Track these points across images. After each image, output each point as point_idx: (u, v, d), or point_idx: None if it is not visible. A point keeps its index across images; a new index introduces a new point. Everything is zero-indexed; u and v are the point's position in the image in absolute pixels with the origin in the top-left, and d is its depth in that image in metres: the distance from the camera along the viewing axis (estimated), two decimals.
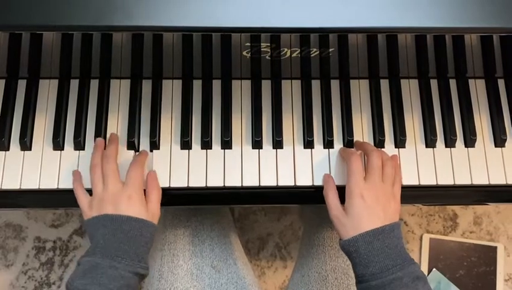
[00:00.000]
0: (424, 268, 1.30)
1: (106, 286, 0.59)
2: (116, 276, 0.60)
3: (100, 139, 0.71)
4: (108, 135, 0.72)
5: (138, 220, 0.63)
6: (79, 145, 0.71)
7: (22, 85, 0.74)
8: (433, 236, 1.33)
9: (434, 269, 1.30)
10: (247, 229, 1.35)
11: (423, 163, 0.72)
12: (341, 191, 0.66)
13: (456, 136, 0.73)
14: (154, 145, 0.72)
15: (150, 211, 0.66)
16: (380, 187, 0.64)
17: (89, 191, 0.68)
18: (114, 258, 0.61)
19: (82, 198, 0.67)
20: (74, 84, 0.74)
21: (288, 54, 0.73)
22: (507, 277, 1.31)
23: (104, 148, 0.70)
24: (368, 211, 0.62)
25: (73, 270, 0.64)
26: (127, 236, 0.62)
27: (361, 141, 0.73)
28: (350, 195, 0.64)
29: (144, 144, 0.72)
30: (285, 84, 0.75)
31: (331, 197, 0.66)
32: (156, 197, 0.67)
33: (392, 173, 0.66)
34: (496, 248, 1.32)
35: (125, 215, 0.63)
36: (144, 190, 0.68)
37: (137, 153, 0.72)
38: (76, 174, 0.70)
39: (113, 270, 0.60)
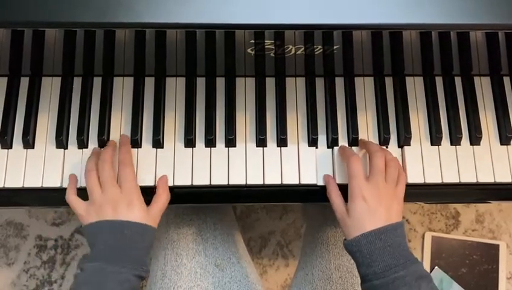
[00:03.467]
0: (426, 266, 1.30)
1: None
2: (122, 280, 0.60)
3: (97, 148, 0.71)
4: (111, 133, 0.72)
5: (139, 225, 0.63)
6: (82, 143, 0.71)
7: (24, 83, 0.74)
8: (435, 234, 1.33)
9: (436, 267, 1.29)
10: (249, 227, 1.35)
11: (428, 161, 0.72)
12: (346, 189, 0.66)
13: (461, 133, 0.73)
14: (158, 143, 0.71)
15: (152, 214, 0.66)
16: (383, 188, 0.64)
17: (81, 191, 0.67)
18: (118, 263, 0.61)
19: (77, 203, 0.66)
20: (77, 82, 0.74)
21: (293, 51, 0.72)
22: (509, 274, 1.31)
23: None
24: (370, 213, 0.62)
25: (76, 274, 0.64)
26: (128, 241, 0.62)
27: (366, 140, 0.72)
28: (352, 197, 0.64)
29: (148, 142, 0.72)
30: (290, 82, 0.75)
31: (334, 198, 0.67)
32: (162, 203, 0.67)
33: (395, 174, 0.66)
34: (498, 245, 1.32)
35: (126, 220, 0.63)
36: (152, 189, 0.67)
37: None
38: (72, 180, 0.69)
39: (118, 275, 0.60)
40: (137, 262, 0.62)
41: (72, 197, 0.67)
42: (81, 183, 0.69)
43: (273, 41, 0.70)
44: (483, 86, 0.76)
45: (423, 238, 1.33)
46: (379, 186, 0.64)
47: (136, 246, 0.63)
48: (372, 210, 0.62)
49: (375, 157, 0.66)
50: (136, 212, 0.64)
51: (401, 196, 0.66)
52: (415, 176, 0.71)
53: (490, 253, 1.31)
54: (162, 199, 0.68)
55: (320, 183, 0.71)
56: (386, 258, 0.60)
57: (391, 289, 0.59)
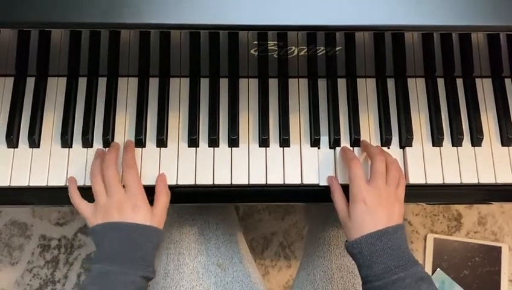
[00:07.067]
0: (428, 268, 1.30)
1: None
2: (128, 282, 0.61)
3: (100, 149, 0.71)
4: (116, 133, 0.73)
5: (145, 227, 0.64)
6: (87, 142, 0.72)
7: (30, 83, 0.74)
8: (437, 236, 1.33)
9: (438, 269, 1.30)
10: (251, 228, 1.35)
11: (430, 162, 0.72)
12: (348, 189, 0.66)
13: (462, 135, 0.73)
14: (162, 143, 0.72)
15: (156, 215, 0.66)
16: (384, 191, 0.64)
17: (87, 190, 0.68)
18: (124, 265, 0.61)
19: (83, 206, 0.67)
20: (82, 82, 0.75)
21: (296, 52, 0.73)
22: (511, 277, 1.31)
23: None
24: (371, 215, 0.63)
25: (80, 274, 0.64)
26: (134, 243, 0.63)
27: (367, 142, 0.73)
28: (353, 200, 0.64)
29: (152, 141, 0.72)
30: (293, 83, 0.75)
31: (337, 200, 0.68)
32: (163, 202, 0.68)
33: (396, 176, 0.67)
34: (500, 248, 1.32)
35: (132, 222, 0.63)
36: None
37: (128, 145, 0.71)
38: (71, 182, 0.69)
39: (124, 276, 0.61)
40: (144, 263, 0.63)
41: (77, 201, 0.67)
42: (86, 182, 0.70)
43: (276, 42, 0.71)
44: (484, 88, 0.76)
45: (425, 240, 1.34)
46: (380, 189, 0.64)
47: (142, 247, 0.63)
48: (372, 212, 0.63)
49: (376, 161, 0.66)
50: (141, 214, 0.64)
51: (402, 198, 0.67)
52: (416, 177, 0.71)
53: (492, 255, 1.31)
54: (162, 198, 0.68)
55: (323, 183, 0.71)
56: (387, 260, 0.60)
57: None
